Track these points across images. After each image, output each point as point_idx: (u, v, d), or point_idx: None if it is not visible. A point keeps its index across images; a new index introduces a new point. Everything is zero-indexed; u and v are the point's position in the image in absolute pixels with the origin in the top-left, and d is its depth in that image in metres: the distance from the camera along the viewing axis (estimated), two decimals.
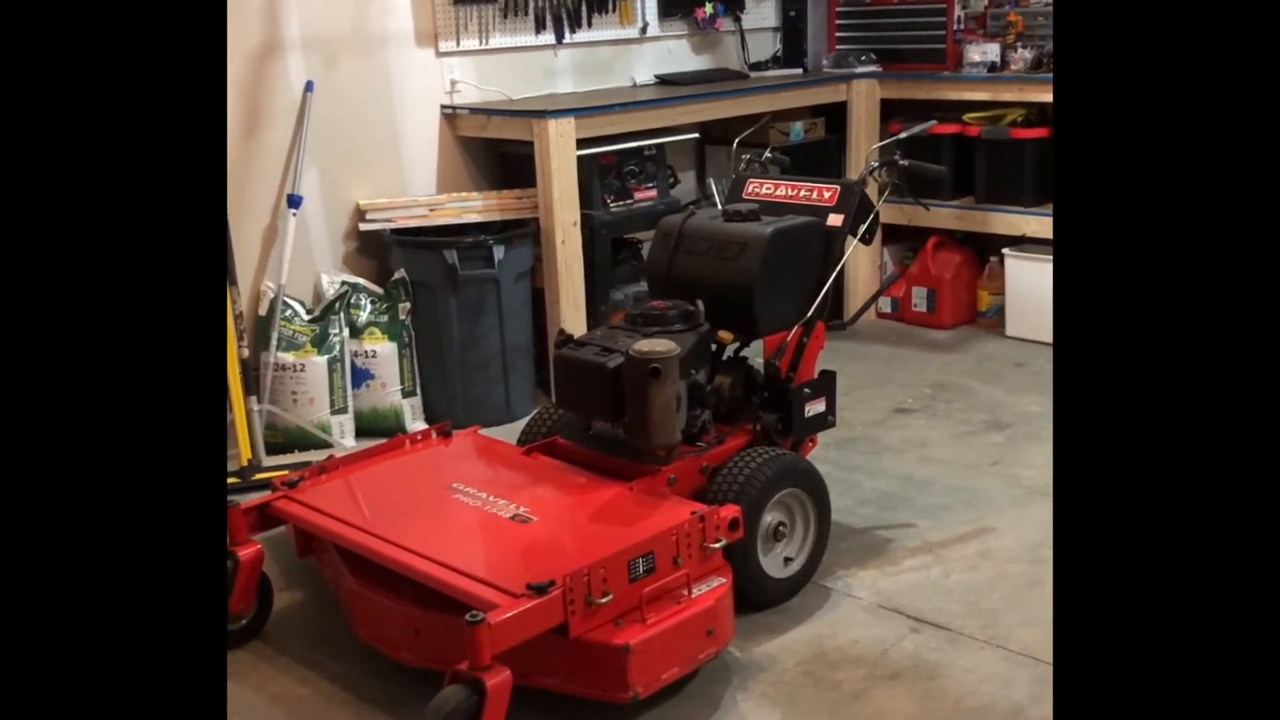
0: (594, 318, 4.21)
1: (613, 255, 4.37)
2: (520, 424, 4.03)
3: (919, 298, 5.05)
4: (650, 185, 4.41)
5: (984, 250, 5.04)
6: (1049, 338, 4.57)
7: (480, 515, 2.65)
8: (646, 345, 2.67)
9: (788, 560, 2.84)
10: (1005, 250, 4.81)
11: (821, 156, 5.04)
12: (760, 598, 2.76)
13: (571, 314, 4.10)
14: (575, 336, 2.91)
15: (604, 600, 2.28)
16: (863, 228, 3.08)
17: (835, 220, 3.07)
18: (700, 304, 2.88)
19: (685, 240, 3.06)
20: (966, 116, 4.81)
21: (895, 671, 2.54)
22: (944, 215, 4.85)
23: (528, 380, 4.21)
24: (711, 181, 4.87)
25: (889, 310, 5.17)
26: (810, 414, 2.99)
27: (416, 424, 4.04)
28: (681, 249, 3.06)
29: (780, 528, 2.80)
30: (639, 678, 2.28)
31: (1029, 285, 4.70)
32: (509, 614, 2.17)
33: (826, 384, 3.04)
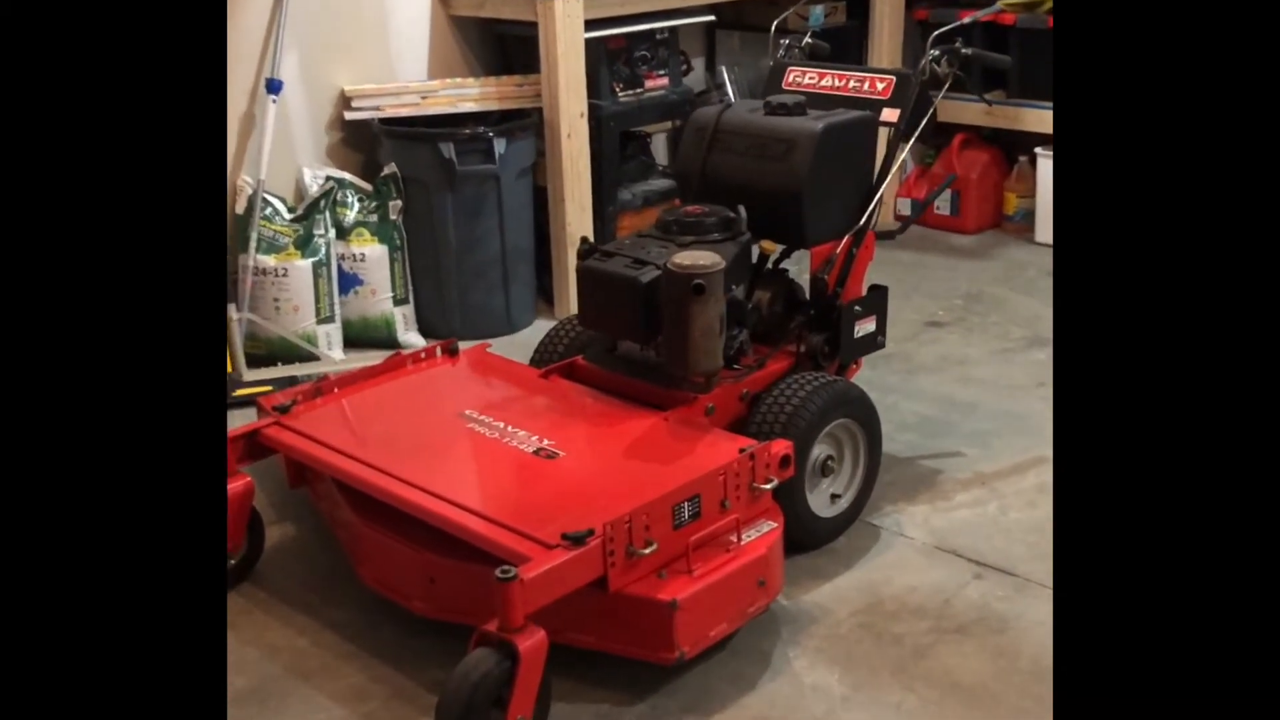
0: (601, 219, 3.88)
1: (620, 150, 4.02)
2: (521, 335, 3.75)
3: (941, 199, 4.73)
4: (662, 72, 4.05)
5: (1013, 149, 4.72)
6: None
7: (499, 449, 2.36)
8: (687, 258, 2.35)
9: (835, 497, 2.58)
10: (1037, 149, 4.49)
11: (841, 44, 4.65)
12: (805, 539, 2.50)
13: (577, 215, 3.76)
14: (601, 245, 2.59)
15: (647, 550, 2.02)
16: (921, 124, 2.75)
17: (890, 115, 2.74)
18: (742, 210, 2.56)
19: (722, 137, 2.72)
20: (1002, 3, 4.44)
21: (961, 624, 2.30)
22: (972, 110, 4.50)
23: (529, 288, 3.89)
24: (723, 69, 4.49)
25: (908, 213, 4.85)
26: (860, 334, 2.71)
27: (409, 334, 3.72)
28: (717, 147, 2.72)
29: (829, 462, 2.53)
30: (686, 636, 2.03)
31: None
32: (544, 568, 1.91)
33: (878, 300, 2.75)
